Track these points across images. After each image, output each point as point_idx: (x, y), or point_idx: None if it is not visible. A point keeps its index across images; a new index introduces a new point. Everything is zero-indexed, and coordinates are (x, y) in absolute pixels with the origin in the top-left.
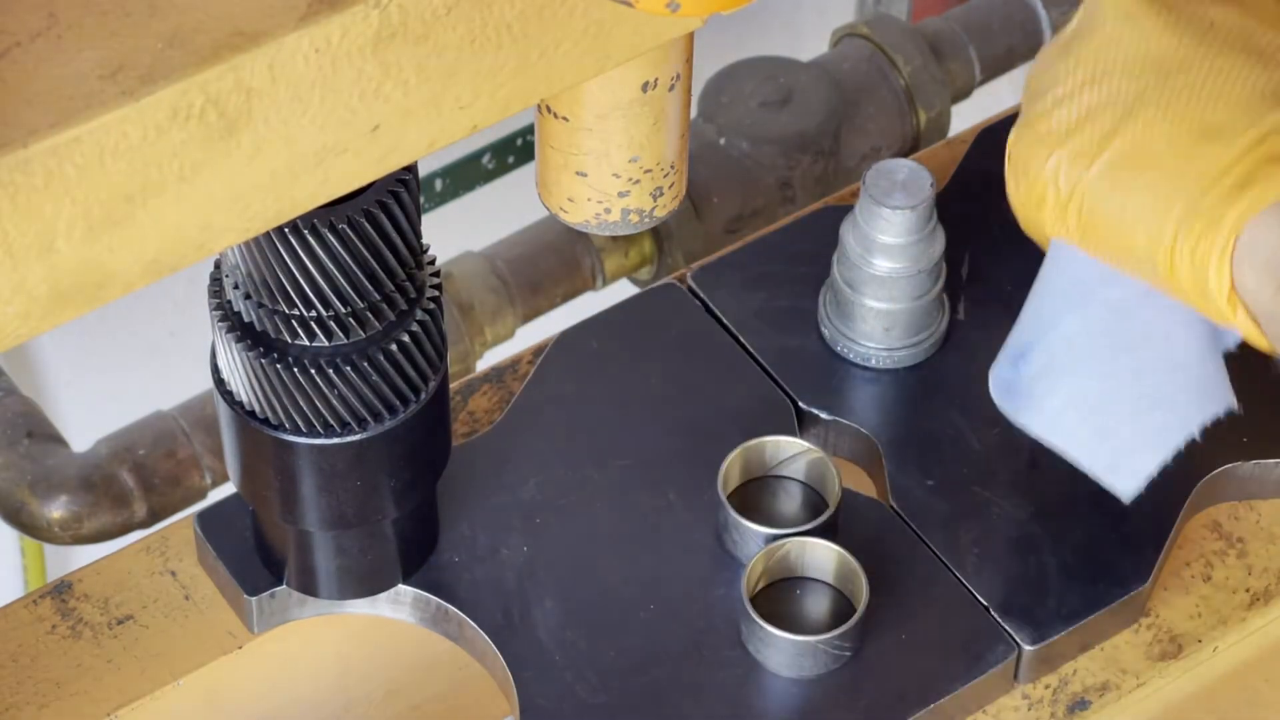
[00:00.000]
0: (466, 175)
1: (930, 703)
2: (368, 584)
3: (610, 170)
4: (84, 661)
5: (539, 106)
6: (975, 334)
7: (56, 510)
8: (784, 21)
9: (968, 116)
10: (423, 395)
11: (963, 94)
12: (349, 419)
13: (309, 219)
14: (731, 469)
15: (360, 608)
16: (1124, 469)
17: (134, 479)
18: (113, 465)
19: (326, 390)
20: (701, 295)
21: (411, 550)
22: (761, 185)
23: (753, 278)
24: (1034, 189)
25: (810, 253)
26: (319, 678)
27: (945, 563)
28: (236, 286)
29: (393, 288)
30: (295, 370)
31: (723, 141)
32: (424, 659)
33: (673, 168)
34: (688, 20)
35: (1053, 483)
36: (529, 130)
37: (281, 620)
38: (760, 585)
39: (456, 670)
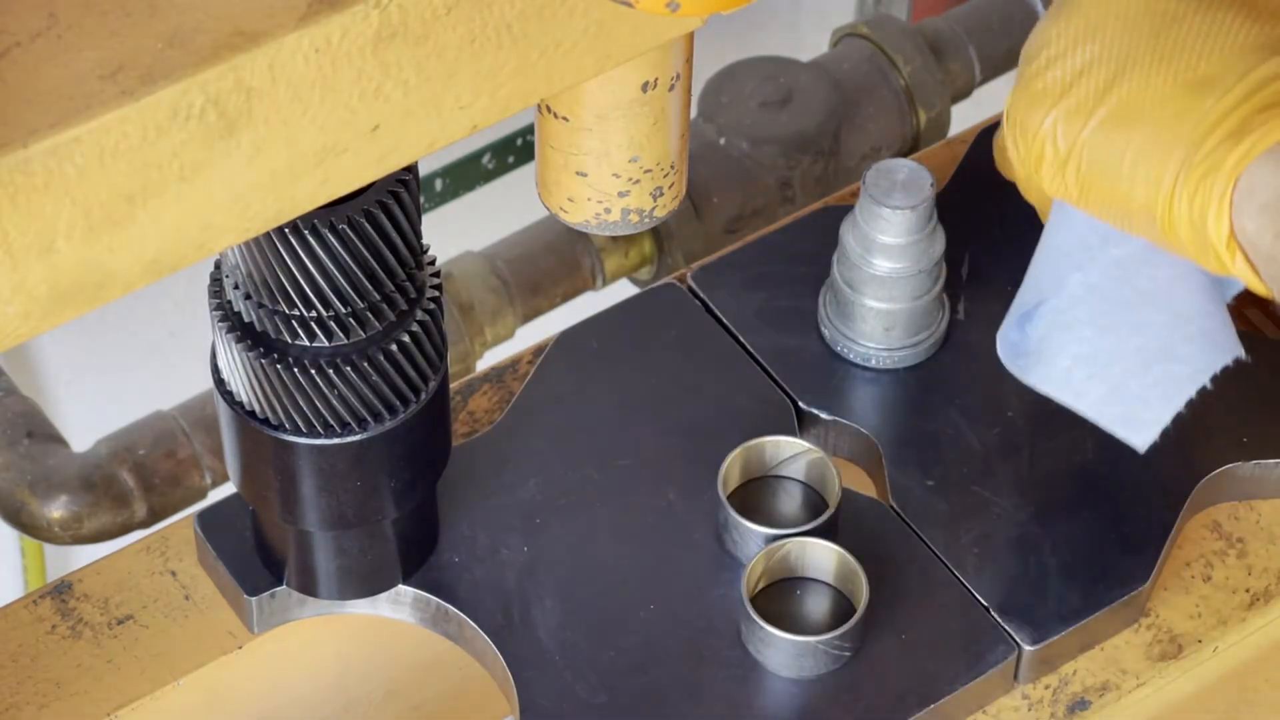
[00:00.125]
0: (466, 175)
1: (930, 703)
2: (368, 584)
3: (610, 170)
4: (84, 661)
5: (539, 106)
6: (975, 334)
7: (56, 510)
8: (784, 21)
9: (968, 116)
10: (423, 395)
11: (963, 94)
12: (349, 419)
13: (309, 219)
14: (731, 469)
15: (360, 608)
16: (1137, 421)
17: (134, 479)
18: (113, 465)
19: (326, 390)
20: (701, 295)
21: (411, 550)
22: (761, 185)
23: (753, 278)
24: (1032, 148)
25: (810, 253)
26: (319, 678)
27: (945, 563)
28: (236, 286)
29: (393, 288)
30: (295, 370)
31: (723, 141)
32: (424, 659)
33: (673, 168)
34: (688, 20)
35: (1053, 483)
36: (529, 130)
37: (281, 620)
38: (760, 585)
39: (456, 670)
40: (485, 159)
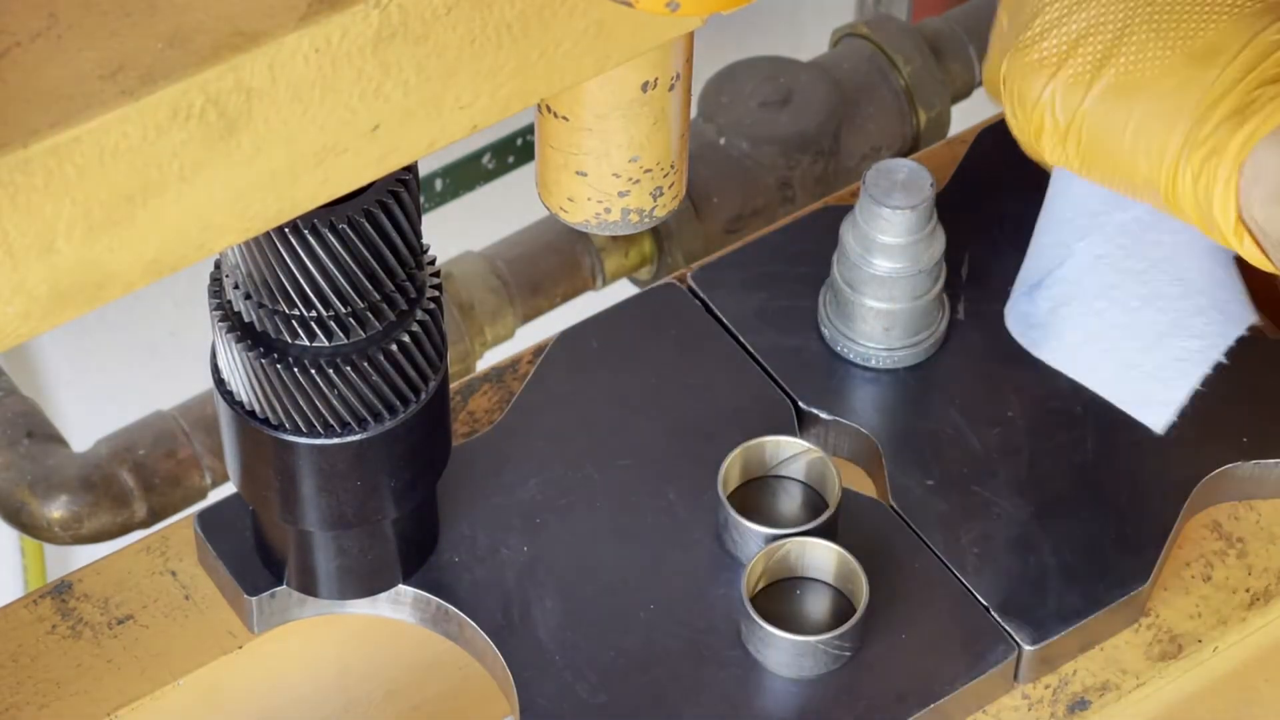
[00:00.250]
0: (466, 175)
1: (930, 703)
2: (368, 584)
3: (610, 170)
4: (84, 661)
5: (539, 106)
6: (975, 334)
7: (56, 510)
8: (784, 21)
9: (968, 116)
10: (423, 395)
11: (963, 94)
12: (349, 419)
13: (309, 219)
14: (731, 469)
15: (360, 608)
16: (1154, 401)
17: (134, 479)
18: (113, 465)
19: (326, 390)
20: (701, 295)
21: (411, 550)
22: (761, 185)
23: (753, 278)
24: (1031, 118)
25: (810, 253)
26: (319, 678)
27: (945, 563)
28: (236, 286)
29: (393, 288)
30: (295, 370)
31: (723, 141)
32: (424, 659)
33: (673, 168)
34: (688, 20)
35: (1053, 483)
36: (529, 130)
37: (281, 620)
38: (760, 585)
39: (456, 670)
40: (485, 159)
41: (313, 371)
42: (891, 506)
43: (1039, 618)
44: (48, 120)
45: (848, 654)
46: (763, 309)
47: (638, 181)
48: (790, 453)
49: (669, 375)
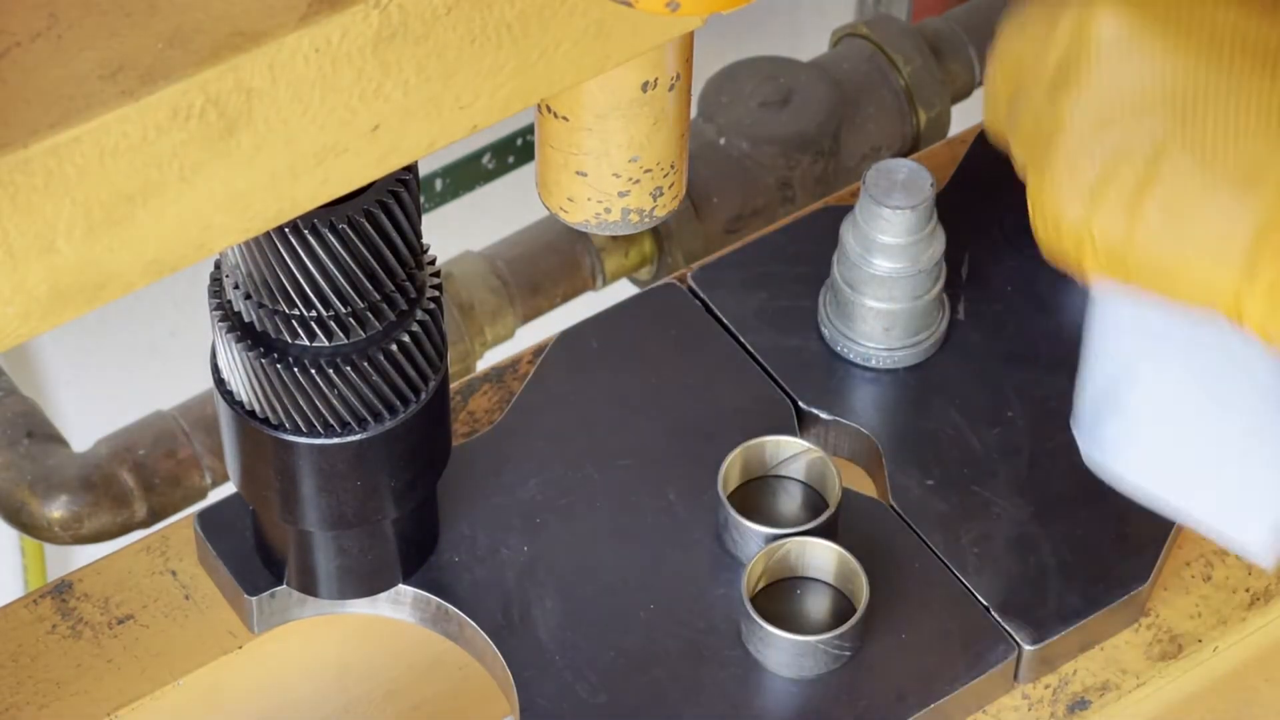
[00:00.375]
0: (466, 175)
1: (930, 703)
2: (368, 584)
3: (610, 170)
4: (84, 661)
5: (539, 106)
6: (975, 334)
7: (56, 510)
8: (784, 21)
9: (968, 116)
10: (423, 395)
11: (963, 94)
12: (349, 419)
13: (309, 219)
14: (731, 469)
15: (360, 608)
16: (1252, 525)
17: (134, 479)
18: (113, 465)
19: (326, 390)
20: (701, 295)
21: (411, 550)
22: (761, 185)
23: (753, 278)
24: (1069, 244)
25: (810, 253)
26: (319, 678)
27: (945, 563)
28: (236, 286)
29: (393, 288)
30: (295, 370)
31: (723, 141)
32: (424, 659)
33: (673, 168)
34: (688, 20)
35: (1053, 483)
36: (529, 130)
37: (281, 620)
38: (760, 585)
39: (456, 670)
40: (485, 159)
41: (313, 371)
42: (891, 506)
43: (1039, 618)
44: (48, 120)
45: (848, 654)
46: (763, 309)
47: (638, 181)
48: (790, 453)
49: (669, 375)
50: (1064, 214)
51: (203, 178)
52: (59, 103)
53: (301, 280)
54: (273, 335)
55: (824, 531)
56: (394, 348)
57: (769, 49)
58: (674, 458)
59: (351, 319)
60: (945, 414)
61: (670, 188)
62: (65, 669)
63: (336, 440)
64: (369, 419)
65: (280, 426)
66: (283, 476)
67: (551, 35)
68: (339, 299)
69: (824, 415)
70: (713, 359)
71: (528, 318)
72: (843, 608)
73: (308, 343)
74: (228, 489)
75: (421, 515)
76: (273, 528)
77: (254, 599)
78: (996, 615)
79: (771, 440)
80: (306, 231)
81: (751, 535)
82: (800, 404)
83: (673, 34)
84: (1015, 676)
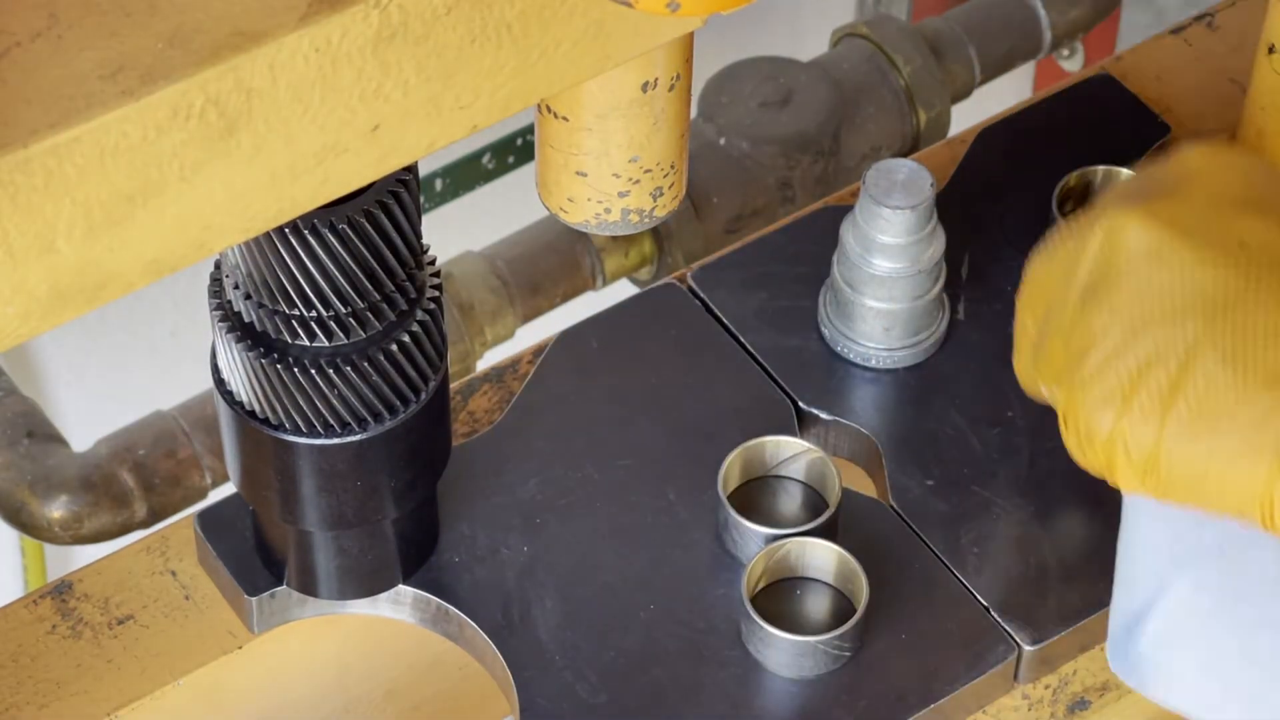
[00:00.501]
0: (466, 175)
1: (930, 703)
2: (368, 584)
3: (610, 170)
4: (84, 661)
5: (539, 106)
6: (975, 334)
7: (57, 510)
8: (784, 21)
9: (968, 116)
10: (423, 395)
11: (963, 94)
12: (349, 419)
13: (309, 219)
14: (731, 469)
15: (360, 608)
16: None
17: (134, 479)
18: (113, 465)
19: (326, 390)
20: (701, 295)
21: (411, 550)
22: (761, 185)
23: (753, 278)
24: (1101, 454)
25: (810, 253)
26: (319, 678)
27: (945, 563)
28: (236, 286)
29: (393, 288)
30: (295, 370)
31: (723, 141)
32: (424, 659)
33: (673, 168)
34: (688, 20)
35: (1053, 483)
36: (529, 130)
37: (281, 620)
38: (760, 585)
39: (456, 670)
40: (485, 159)
41: (313, 371)
42: (891, 506)
43: (1039, 618)
44: (48, 120)
45: (848, 654)
46: (763, 309)
47: (638, 182)
48: (790, 453)
49: (669, 375)
50: (1096, 422)
51: (203, 178)
52: (59, 103)
53: (301, 280)
54: (273, 335)
55: (824, 532)
56: (394, 348)
57: (769, 49)
58: (674, 458)
59: (351, 319)
60: (945, 414)
61: (670, 188)
62: (65, 669)
63: (336, 440)
64: (369, 419)
65: (280, 427)
66: (283, 477)
67: (551, 35)
68: (339, 299)
69: (824, 415)
70: (713, 359)
71: (528, 318)
72: (843, 608)
73: (308, 343)
74: (228, 489)
75: (421, 515)
76: (273, 528)
77: (254, 599)
78: (996, 615)
79: (771, 440)
80: (306, 231)
81: (751, 535)
82: (800, 404)
83: (673, 34)
84: (1015, 677)
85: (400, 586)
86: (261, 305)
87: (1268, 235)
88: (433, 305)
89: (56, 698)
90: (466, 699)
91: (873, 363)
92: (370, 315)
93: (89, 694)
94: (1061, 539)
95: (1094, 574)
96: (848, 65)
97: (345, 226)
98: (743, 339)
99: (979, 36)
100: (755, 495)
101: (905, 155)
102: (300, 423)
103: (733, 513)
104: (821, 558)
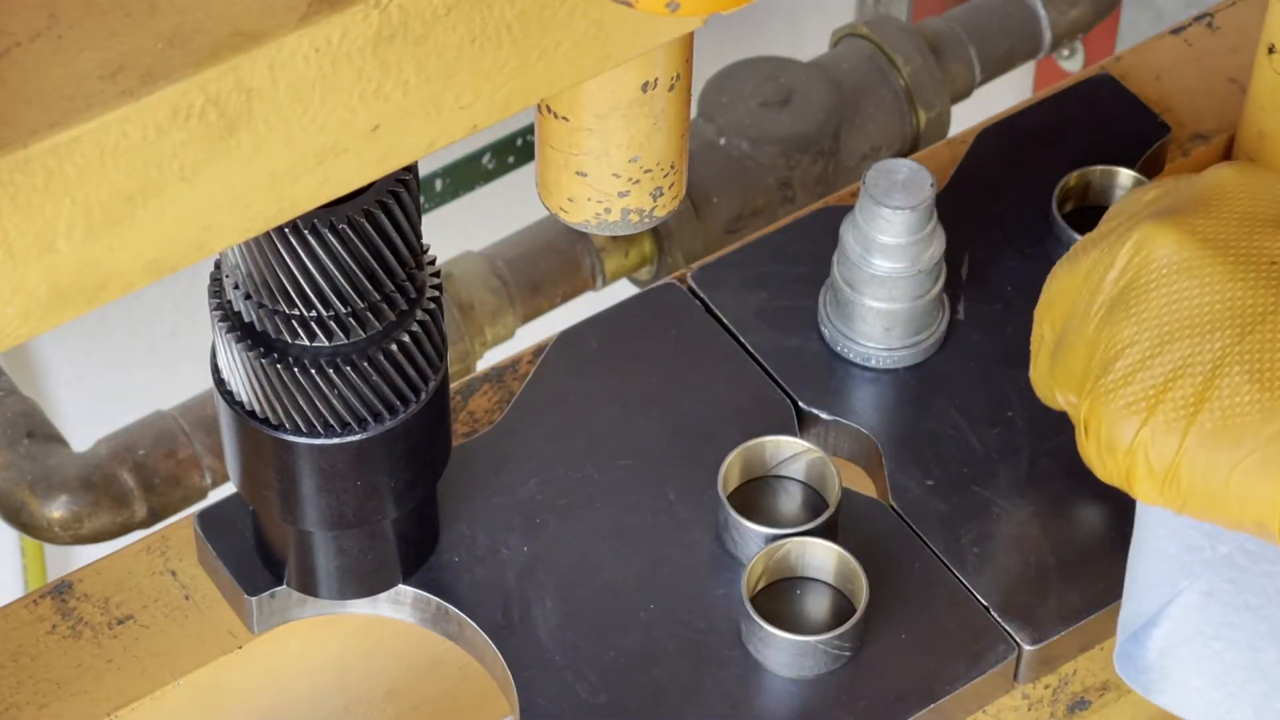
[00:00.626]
0: (466, 175)
1: (930, 703)
2: (368, 584)
3: (610, 170)
4: (84, 661)
5: (539, 106)
6: (975, 334)
7: (56, 510)
8: (784, 21)
9: (968, 116)
10: (423, 395)
11: (963, 94)
12: (349, 419)
13: (309, 219)
14: (731, 469)
15: (360, 608)
16: None
17: (134, 479)
18: (113, 465)
19: (326, 390)
20: (701, 295)
21: (411, 550)
22: (761, 185)
23: (753, 278)
24: (1121, 464)
25: (810, 253)
26: (319, 678)
27: (945, 563)
28: (236, 286)
29: (393, 288)
30: (295, 370)
31: (723, 141)
32: (424, 659)
33: (673, 168)
34: (688, 20)
35: (1053, 483)
36: (529, 130)
37: (281, 620)
38: (760, 585)
39: (456, 670)
40: (485, 159)
41: (313, 371)
42: (891, 506)
43: (1039, 618)
44: (48, 120)
45: (848, 654)
46: (763, 309)
47: (638, 181)
48: (790, 453)
49: (669, 375)
50: (1119, 431)
51: (203, 178)
52: (59, 103)
53: (301, 280)
54: (273, 335)
55: (824, 532)
56: (394, 348)
57: (769, 49)
58: (674, 458)
59: (351, 319)
60: (945, 414)
61: (670, 188)
62: (65, 669)
63: (336, 440)
64: (369, 419)
65: (280, 426)
66: (283, 476)
67: (551, 35)
68: (339, 299)
69: (824, 415)
70: (713, 359)
71: (528, 318)
72: (843, 608)
73: (308, 343)
74: (228, 489)
75: (421, 515)
76: (273, 528)
77: (254, 599)
78: (996, 615)
79: (771, 440)
80: (306, 231)
81: (751, 535)
82: (800, 404)
83: (673, 34)
84: (1015, 677)
85: (400, 586)
86: (261, 305)
87: None
88: (433, 305)
89: (56, 698)
90: (466, 699)
91: (873, 363)
92: (370, 315)
93: (89, 694)
94: (1061, 539)
95: (1094, 574)
96: (848, 65)
97: (345, 226)
98: (743, 339)
99: (979, 36)
100: (755, 495)
101: (905, 155)
102: (300, 423)
103: (733, 513)
104: (821, 558)
